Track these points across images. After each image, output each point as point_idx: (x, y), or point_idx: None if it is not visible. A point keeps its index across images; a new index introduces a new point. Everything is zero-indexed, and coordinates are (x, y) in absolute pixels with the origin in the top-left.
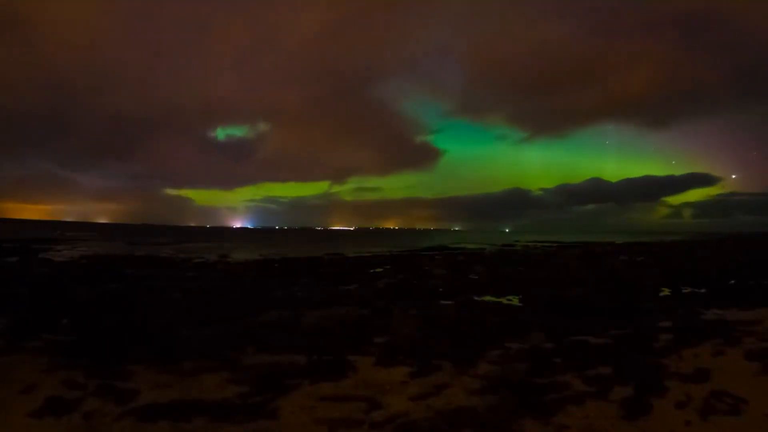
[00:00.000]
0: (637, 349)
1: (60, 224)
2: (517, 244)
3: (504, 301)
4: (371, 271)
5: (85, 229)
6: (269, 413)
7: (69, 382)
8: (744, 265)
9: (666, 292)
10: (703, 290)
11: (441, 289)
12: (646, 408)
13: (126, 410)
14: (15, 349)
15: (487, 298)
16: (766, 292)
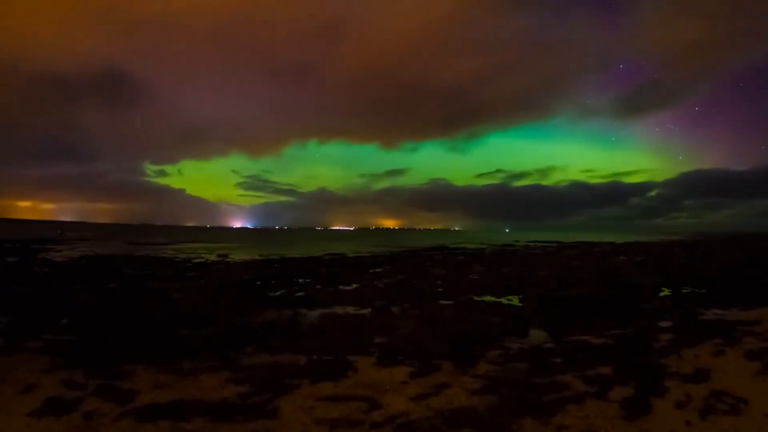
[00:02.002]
0: (637, 349)
1: (58, 224)
2: (517, 244)
3: (504, 301)
4: (371, 271)
5: (84, 229)
6: (269, 413)
7: (69, 382)
8: (744, 265)
9: (666, 292)
10: (703, 290)
11: (441, 289)
12: (646, 408)
13: (126, 410)
14: (15, 349)
15: (487, 298)
16: (766, 292)
